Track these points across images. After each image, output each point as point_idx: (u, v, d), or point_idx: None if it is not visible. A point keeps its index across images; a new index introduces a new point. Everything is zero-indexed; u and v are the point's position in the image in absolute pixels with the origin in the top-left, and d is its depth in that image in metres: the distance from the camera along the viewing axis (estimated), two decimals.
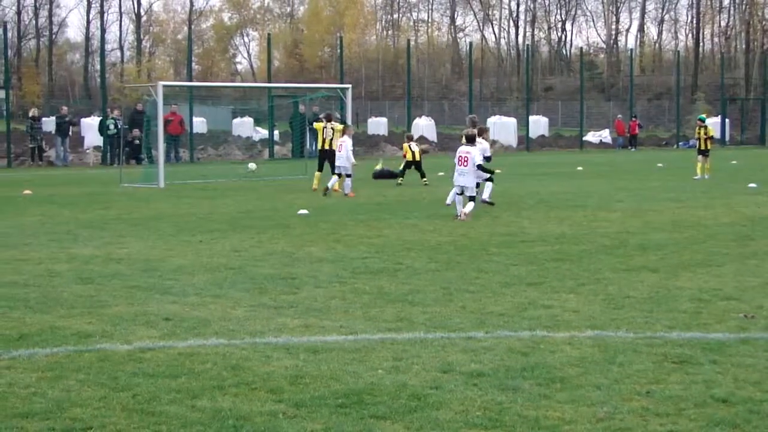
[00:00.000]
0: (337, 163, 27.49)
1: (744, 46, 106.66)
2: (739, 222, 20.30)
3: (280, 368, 8.74)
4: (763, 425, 7.20)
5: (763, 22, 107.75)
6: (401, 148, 43.60)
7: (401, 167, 31.63)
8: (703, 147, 33.73)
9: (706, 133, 33.95)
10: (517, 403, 7.74)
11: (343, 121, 30.83)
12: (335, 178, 27.50)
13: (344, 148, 27.19)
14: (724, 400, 7.80)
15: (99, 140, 45.89)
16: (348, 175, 27.34)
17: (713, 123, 72.57)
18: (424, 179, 30.64)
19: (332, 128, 28.70)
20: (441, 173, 33.53)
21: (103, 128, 44.45)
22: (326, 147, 28.69)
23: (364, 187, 30.10)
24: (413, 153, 31.19)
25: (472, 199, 21.05)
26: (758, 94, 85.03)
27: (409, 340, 9.77)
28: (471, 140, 21.36)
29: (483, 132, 24.16)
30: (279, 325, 10.50)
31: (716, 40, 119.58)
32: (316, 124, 30.11)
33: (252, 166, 29.44)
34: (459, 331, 10.17)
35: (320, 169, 29.03)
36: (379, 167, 34.45)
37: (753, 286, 12.84)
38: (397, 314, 11.03)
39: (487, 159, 22.50)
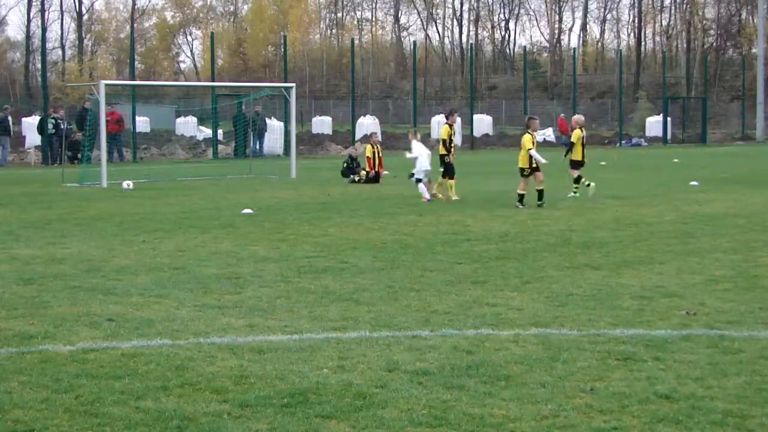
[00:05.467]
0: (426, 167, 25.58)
1: (685, 46, 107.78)
2: (681, 220, 20.48)
3: (224, 368, 8.70)
4: (705, 421, 7.28)
5: (704, 22, 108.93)
6: (345, 147, 43.61)
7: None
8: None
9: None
10: (462, 401, 7.76)
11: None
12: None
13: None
14: (667, 396, 7.87)
15: (40, 140, 45.41)
16: (418, 180, 25.43)
17: (655, 122, 73.32)
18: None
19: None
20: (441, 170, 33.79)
21: (43, 128, 43.97)
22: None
23: (307, 185, 30.07)
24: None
25: None
26: (699, 93, 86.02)
27: (354, 339, 9.77)
28: None
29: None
30: (223, 325, 10.45)
31: (658, 39, 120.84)
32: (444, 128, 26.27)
33: (127, 184, 28.94)
34: (404, 330, 10.18)
35: (451, 177, 25.66)
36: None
37: (695, 284, 12.96)
38: (342, 313, 11.02)
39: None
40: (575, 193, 25.88)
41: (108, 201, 25.35)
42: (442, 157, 25.46)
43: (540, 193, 23.07)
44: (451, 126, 25.95)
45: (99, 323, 10.51)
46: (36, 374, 8.53)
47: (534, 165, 23.09)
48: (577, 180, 26.02)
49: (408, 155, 26.33)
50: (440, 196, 25.36)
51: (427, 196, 24.91)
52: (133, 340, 9.77)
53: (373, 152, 31.49)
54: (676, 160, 45.09)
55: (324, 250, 16.02)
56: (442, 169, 25.67)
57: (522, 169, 23.20)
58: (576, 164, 26.24)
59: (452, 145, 25.71)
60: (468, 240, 17.31)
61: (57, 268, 14.28)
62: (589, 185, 25.63)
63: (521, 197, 23.04)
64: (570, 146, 26.57)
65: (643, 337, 9.87)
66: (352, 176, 31.69)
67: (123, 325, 10.43)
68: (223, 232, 18.49)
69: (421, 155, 25.60)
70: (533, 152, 23.01)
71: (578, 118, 27.19)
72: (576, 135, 26.35)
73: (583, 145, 26.36)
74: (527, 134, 23.50)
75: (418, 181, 25.43)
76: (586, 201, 24.51)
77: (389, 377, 8.42)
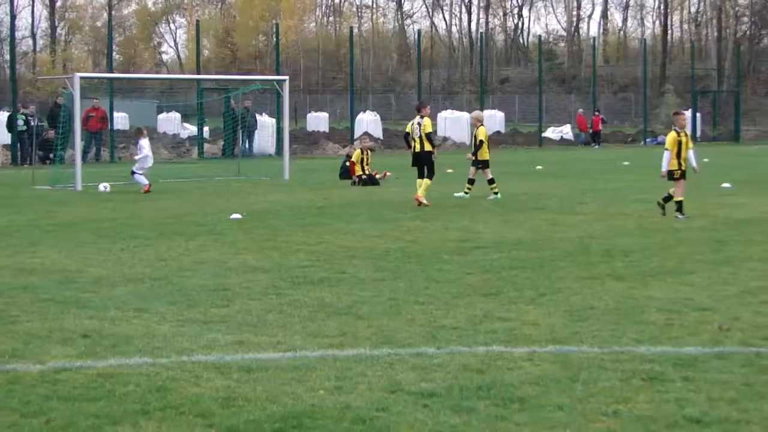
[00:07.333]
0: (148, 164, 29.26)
1: (716, 34, 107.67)
2: (712, 226, 20.47)
3: (210, 390, 8.68)
4: None
5: (737, 8, 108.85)
6: (343, 147, 43.58)
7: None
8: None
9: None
10: (472, 425, 7.74)
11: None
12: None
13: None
14: (698, 420, 7.85)
15: (8, 138, 45.38)
16: (133, 172, 28.89)
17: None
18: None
19: (418, 123, 25.18)
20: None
21: (11, 125, 43.96)
22: (416, 148, 25.29)
23: (301, 188, 30.10)
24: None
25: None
26: (731, 86, 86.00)
27: (353, 357, 9.75)
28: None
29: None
30: (209, 341, 10.44)
31: (686, 27, 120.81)
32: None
33: (104, 186, 29.01)
34: (408, 347, 10.16)
35: (420, 176, 25.11)
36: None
37: (728, 296, 12.94)
38: (340, 328, 11.00)
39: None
40: (496, 194, 26.43)
41: (83, 205, 25.36)
42: (429, 154, 25.09)
43: (668, 199, 22.13)
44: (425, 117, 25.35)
45: (72, 340, 10.49)
46: (2, 396, 8.51)
47: (683, 167, 21.85)
48: (492, 180, 26.70)
49: (140, 153, 29.52)
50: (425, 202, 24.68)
51: (146, 183, 28.70)
52: (110, 358, 9.75)
53: (362, 158, 32.13)
54: (706, 160, 45.03)
55: (320, 259, 16.01)
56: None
57: (671, 173, 21.92)
58: (486, 164, 26.76)
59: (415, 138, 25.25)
60: (478, 248, 17.31)
61: (26, 279, 14.26)
62: (497, 193, 26.49)
63: (679, 206, 21.64)
64: (480, 145, 26.76)
65: (670, 354, 9.85)
66: (354, 177, 31.82)
67: (99, 342, 10.41)
68: (210, 240, 18.49)
69: (148, 155, 29.43)
70: (666, 154, 21.78)
71: (479, 114, 28.55)
72: (483, 133, 26.95)
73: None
74: (672, 132, 22.14)
75: (133, 173, 29.15)
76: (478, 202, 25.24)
77: (392, 399, 8.41)
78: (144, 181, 28.83)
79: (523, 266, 15.34)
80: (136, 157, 29.96)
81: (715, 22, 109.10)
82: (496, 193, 26.47)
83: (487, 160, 26.78)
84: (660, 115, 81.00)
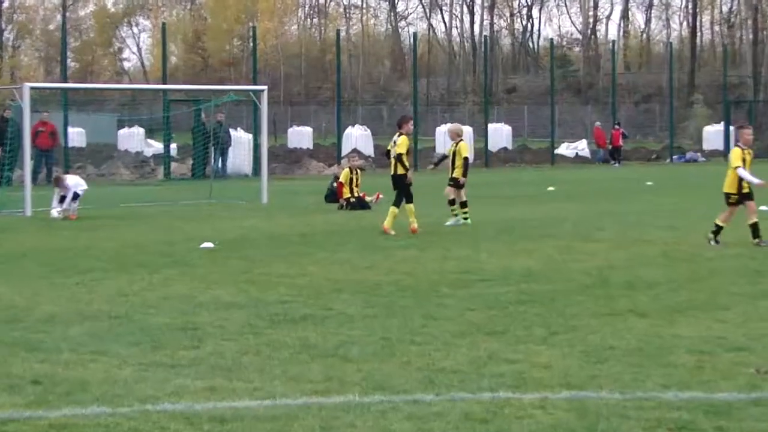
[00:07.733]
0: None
1: (751, 37, 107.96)
2: (748, 254, 20.47)
3: None
4: None
5: None
6: (329, 165, 43.63)
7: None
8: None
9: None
10: None
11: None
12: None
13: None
14: None
15: None
16: (75, 196, 28.97)
17: (715, 132, 73.42)
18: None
19: (394, 141, 24.94)
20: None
21: None
22: (393, 171, 25.00)
23: (282, 213, 30.08)
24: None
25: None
26: None
27: (340, 405, 9.74)
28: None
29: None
30: (177, 388, 10.42)
31: (717, 29, 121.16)
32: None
33: (57, 212, 28.99)
34: (403, 394, 10.15)
35: (402, 203, 24.65)
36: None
37: (766, 334, 12.93)
38: (326, 373, 10.99)
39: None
40: (455, 216, 26.58)
41: (33, 233, 25.35)
42: (402, 177, 24.58)
43: (754, 228, 21.57)
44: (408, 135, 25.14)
45: (21, 387, 10.47)
46: None
47: (745, 190, 21.59)
48: (457, 204, 26.67)
49: (79, 188, 29.70)
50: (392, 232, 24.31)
51: (75, 211, 28.93)
52: (64, 407, 9.72)
53: (351, 178, 32.01)
54: None
55: (303, 294, 16.01)
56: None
57: (728, 195, 21.75)
58: (458, 184, 26.69)
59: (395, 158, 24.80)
60: (481, 280, 17.31)
61: None
62: (457, 215, 26.62)
63: (718, 230, 21.60)
64: (465, 163, 26.68)
65: (701, 401, 9.84)
66: (341, 200, 31.85)
67: (51, 389, 10.39)
68: (177, 272, 18.47)
69: (77, 184, 29.67)
70: (741, 171, 21.40)
71: (458, 127, 28.41)
72: (467, 148, 27.04)
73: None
74: (736, 148, 22.01)
75: (76, 197, 29.07)
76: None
77: None
78: (75, 209, 28.90)
79: (532, 301, 15.34)
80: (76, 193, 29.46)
81: (750, 23, 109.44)
82: (456, 215, 26.52)
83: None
84: (688, 128, 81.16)
